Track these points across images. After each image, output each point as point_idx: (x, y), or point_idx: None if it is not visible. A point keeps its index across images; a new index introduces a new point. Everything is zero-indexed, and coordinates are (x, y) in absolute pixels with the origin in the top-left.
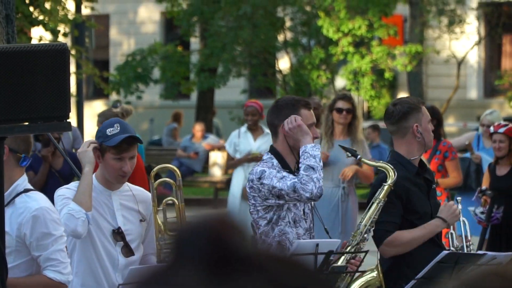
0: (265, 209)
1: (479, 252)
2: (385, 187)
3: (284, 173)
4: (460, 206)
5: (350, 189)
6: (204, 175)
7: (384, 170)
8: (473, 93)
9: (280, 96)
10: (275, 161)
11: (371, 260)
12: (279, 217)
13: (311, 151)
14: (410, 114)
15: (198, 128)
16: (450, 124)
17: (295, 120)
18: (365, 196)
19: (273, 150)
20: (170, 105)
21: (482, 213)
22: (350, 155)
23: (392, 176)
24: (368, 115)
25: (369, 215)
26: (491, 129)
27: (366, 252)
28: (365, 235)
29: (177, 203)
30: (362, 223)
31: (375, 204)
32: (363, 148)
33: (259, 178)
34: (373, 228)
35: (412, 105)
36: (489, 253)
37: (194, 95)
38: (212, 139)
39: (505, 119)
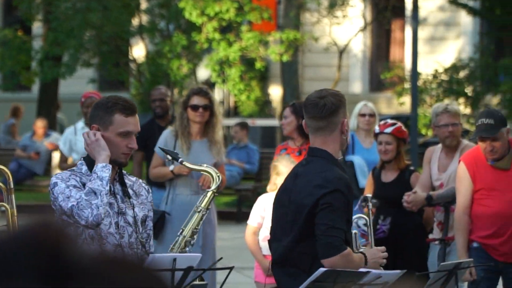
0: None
1: (362, 270)
2: (208, 194)
3: (73, 191)
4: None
5: None
6: (47, 178)
7: (208, 174)
8: (357, 87)
9: (134, 89)
10: (84, 168)
11: (237, 277)
12: (77, 233)
13: (100, 171)
14: (340, 108)
15: (40, 124)
16: None
17: (94, 134)
18: (230, 204)
19: (87, 156)
20: (8, 98)
21: (365, 225)
22: (170, 158)
23: (216, 181)
24: (235, 111)
25: (191, 226)
26: (376, 129)
27: (231, 268)
28: (186, 249)
29: (8, 210)
30: (183, 235)
31: (197, 214)
32: (220, 150)
33: (52, 190)
34: (194, 241)
35: (341, 97)
36: (374, 271)
37: (35, 87)
38: (55, 137)
39: (393, 118)
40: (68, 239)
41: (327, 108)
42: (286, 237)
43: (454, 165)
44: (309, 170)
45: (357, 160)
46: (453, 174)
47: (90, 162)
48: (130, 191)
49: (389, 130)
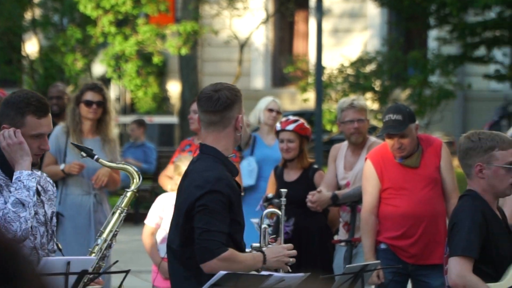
0: None
1: (264, 273)
2: (128, 194)
3: None
4: (284, 201)
5: (102, 197)
6: None
7: (127, 173)
8: (259, 82)
9: (27, 86)
10: None
11: (134, 281)
12: None
13: (26, 180)
14: (235, 103)
15: None
16: None
17: (14, 135)
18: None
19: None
20: None
21: (268, 226)
22: (85, 155)
23: (136, 181)
24: (132, 108)
25: (110, 227)
26: (278, 126)
27: (127, 272)
28: (105, 252)
29: None
30: (102, 237)
31: (117, 214)
32: (114, 149)
33: None
34: (114, 244)
35: (237, 92)
36: (276, 274)
37: None
38: None
39: (297, 114)
40: None
41: (221, 102)
42: (175, 242)
43: (361, 163)
44: (195, 169)
45: (246, 160)
46: (360, 172)
47: (1, 162)
48: (39, 187)
49: (291, 127)
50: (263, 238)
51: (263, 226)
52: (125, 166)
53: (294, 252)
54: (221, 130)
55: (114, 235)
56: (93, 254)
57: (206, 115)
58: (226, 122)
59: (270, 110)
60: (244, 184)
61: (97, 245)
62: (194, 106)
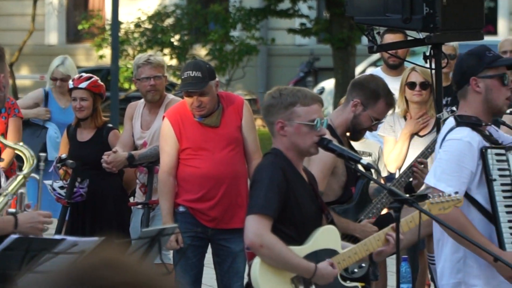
0: None
1: (57, 236)
2: (18, 178)
3: None
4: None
5: None
6: None
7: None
8: (53, 38)
9: None
10: None
11: None
12: None
13: None
14: None
15: None
16: (24, 76)
17: None
18: None
19: None
20: None
21: (62, 187)
22: None
23: (30, 163)
24: None
25: None
26: (70, 83)
27: None
28: None
29: None
30: None
31: (1, 198)
32: None
33: None
34: None
35: (1, 50)
36: (69, 238)
37: None
38: None
39: (93, 71)
40: None
41: None
42: None
43: (158, 122)
44: None
45: (52, 129)
46: (157, 131)
47: None
48: None
49: (84, 84)
50: (19, 204)
51: (20, 191)
52: (21, 147)
53: (50, 220)
54: None
55: None
56: None
57: None
58: None
59: (55, 79)
60: (50, 157)
61: None
62: None
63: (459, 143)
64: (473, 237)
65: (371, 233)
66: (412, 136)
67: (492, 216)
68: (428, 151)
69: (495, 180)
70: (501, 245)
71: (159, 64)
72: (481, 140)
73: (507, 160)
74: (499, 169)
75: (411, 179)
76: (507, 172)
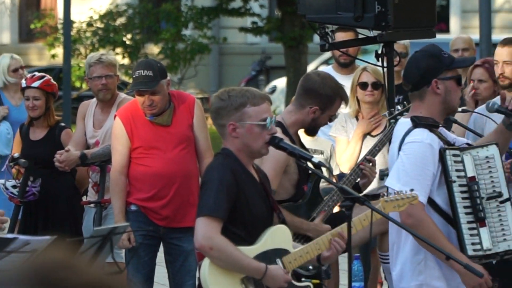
0: None
1: (9, 235)
2: None
3: None
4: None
5: None
6: None
7: None
8: (5, 37)
9: None
10: None
11: None
12: None
13: None
14: None
15: None
16: None
17: None
18: None
19: None
20: None
21: (14, 186)
22: None
23: None
24: None
25: None
26: (23, 83)
27: None
28: None
29: None
30: None
31: None
32: None
33: None
34: None
35: None
36: (21, 237)
37: None
38: None
39: (45, 70)
40: None
41: None
42: None
43: (110, 121)
44: None
45: (4, 126)
46: (110, 130)
47: None
48: None
49: (36, 84)
50: None
51: None
52: None
53: (6, 218)
54: None
55: None
56: None
57: None
58: None
59: (15, 70)
60: (1, 152)
61: None
62: None
63: (420, 146)
64: (442, 245)
65: (324, 232)
66: (364, 136)
67: (451, 218)
68: (376, 149)
69: (454, 181)
70: (462, 247)
71: (110, 63)
72: (439, 141)
73: (462, 161)
74: (457, 170)
75: (358, 180)
76: (463, 173)
